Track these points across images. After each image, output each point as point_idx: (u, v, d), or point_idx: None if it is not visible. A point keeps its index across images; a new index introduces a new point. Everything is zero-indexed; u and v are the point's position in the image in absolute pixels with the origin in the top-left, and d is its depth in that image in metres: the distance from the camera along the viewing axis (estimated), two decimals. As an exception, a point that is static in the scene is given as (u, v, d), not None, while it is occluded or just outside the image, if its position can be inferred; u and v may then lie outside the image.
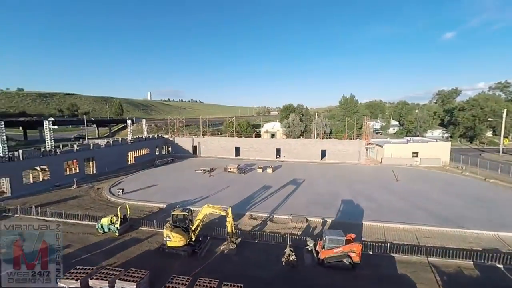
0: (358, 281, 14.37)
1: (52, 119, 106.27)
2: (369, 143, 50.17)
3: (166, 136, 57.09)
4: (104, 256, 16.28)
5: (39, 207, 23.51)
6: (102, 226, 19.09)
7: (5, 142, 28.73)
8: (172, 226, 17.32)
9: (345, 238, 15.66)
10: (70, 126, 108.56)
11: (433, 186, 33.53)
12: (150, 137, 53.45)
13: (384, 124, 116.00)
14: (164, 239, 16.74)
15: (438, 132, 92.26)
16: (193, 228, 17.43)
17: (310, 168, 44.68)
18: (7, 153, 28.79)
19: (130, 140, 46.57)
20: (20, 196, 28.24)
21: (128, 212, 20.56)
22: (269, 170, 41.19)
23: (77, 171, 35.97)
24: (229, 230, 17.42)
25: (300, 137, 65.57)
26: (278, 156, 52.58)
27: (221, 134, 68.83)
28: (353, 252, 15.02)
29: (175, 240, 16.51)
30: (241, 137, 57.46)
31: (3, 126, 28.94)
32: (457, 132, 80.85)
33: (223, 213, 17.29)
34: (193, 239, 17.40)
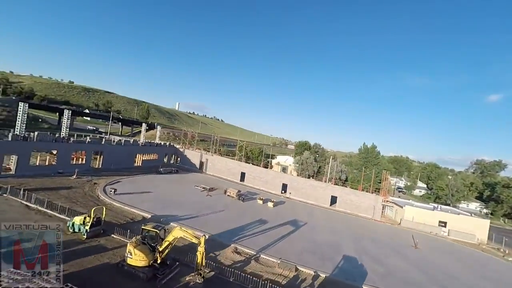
0: None
1: (87, 111, 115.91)
2: (387, 200, 45.78)
3: (177, 146, 57.51)
4: (56, 259, 14.59)
5: (29, 191, 23.17)
6: (73, 224, 17.72)
7: (25, 122, 30.29)
8: (138, 242, 15.39)
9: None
10: (101, 120, 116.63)
11: (462, 264, 28.02)
12: (162, 144, 54.18)
13: (409, 183, 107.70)
14: (126, 254, 14.76)
15: (475, 205, 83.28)
16: (160, 249, 15.30)
17: (316, 212, 41.11)
18: (23, 132, 30.13)
19: (142, 143, 47.35)
20: (22, 176, 28.64)
21: (103, 216, 19.11)
22: (270, 204, 38.27)
23: (83, 162, 36.46)
24: (198, 261, 15.00)
25: (311, 177, 62.23)
26: (283, 191, 49.56)
27: (233, 156, 68.05)
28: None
29: (136, 258, 14.45)
30: (250, 163, 55.69)
31: (27, 108, 30.83)
32: (500, 211, 72.15)
33: (194, 241, 15.08)
34: (158, 261, 15.18)
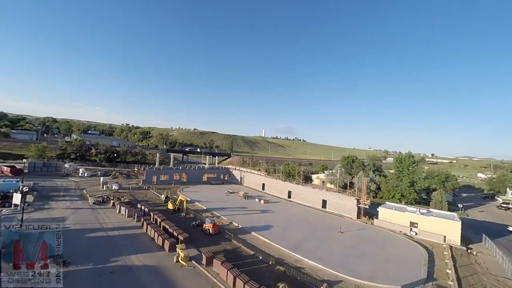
0: None
1: (198, 150, 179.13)
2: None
3: (229, 167, 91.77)
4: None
5: (158, 188, 63.07)
6: (162, 197, 52.93)
7: (158, 162, 73.84)
8: (170, 198, 47.73)
9: None
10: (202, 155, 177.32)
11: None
12: (219, 167, 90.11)
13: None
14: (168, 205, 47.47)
15: None
16: (176, 204, 46.60)
17: (292, 209, 59.54)
18: (158, 166, 73.62)
19: (207, 167, 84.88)
20: (158, 184, 70.77)
21: (168, 193, 53.49)
22: (262, 201, 61.00)
23: (178, 178, 76.93)
24: (180, 204, 45.18)
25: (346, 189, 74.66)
26: (289, 196, 69.20)
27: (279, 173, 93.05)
28: None
29: (170, 206, 46.63)
30: (269, 175, 79.46)
31: (167, 153, 74.67)
32: None
33: (182, 197, 45.31)
34: (176, 208, 46.49)
